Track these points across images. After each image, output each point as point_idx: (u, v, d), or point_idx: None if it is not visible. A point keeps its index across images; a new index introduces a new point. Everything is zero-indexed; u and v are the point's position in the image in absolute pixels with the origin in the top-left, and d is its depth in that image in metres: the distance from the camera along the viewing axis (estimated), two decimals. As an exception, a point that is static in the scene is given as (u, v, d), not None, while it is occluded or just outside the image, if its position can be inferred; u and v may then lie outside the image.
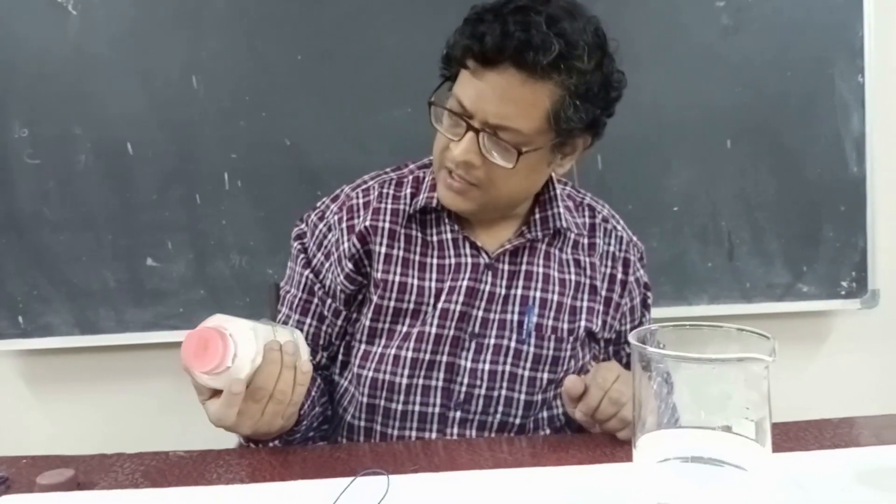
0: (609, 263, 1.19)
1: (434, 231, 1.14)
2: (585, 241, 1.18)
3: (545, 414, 1.14)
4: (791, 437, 0.95)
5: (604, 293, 1.17)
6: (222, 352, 0.86)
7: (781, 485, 0.77)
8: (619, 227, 1.23)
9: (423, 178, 1.16)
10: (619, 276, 1.19)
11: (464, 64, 0.99)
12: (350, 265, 1.11)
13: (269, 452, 0.98)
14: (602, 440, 0.98)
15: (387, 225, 1.12)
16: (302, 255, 1.16)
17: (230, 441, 1.18)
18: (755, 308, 1.92)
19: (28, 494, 0.84)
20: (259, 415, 0.91)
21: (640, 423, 0.69)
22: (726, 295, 1.92)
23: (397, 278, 1.10)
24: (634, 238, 1.25)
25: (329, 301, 1.14)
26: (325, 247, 1.14)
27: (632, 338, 0.69)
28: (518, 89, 0.96)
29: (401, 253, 1.11)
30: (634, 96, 1.81)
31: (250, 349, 0.89)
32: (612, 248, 1.20)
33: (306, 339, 1.10)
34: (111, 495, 0.85)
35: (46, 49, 1.72)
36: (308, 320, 1.15)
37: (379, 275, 1.10)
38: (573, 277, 1.15)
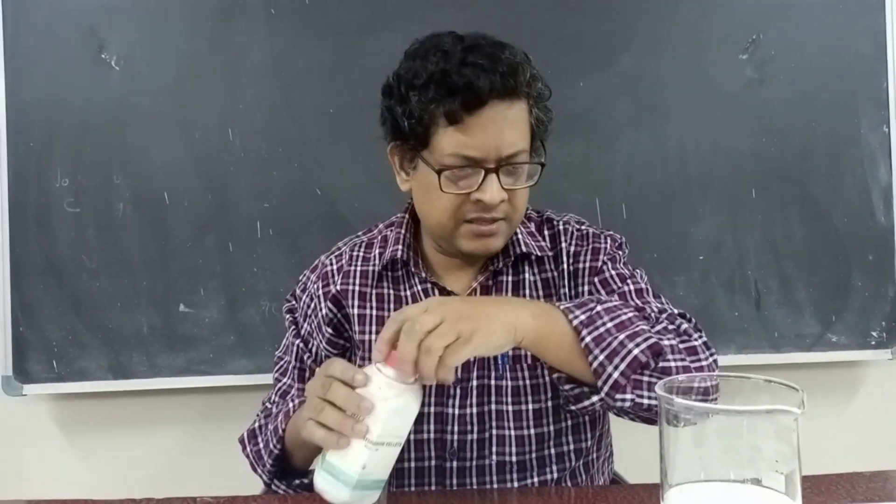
0: (581, 258, 1.16)
1: (405, 286, 1.15)
2: (550, 254, 1.16)
3: (552, 451, 1.11)
4: (822, 490, 0.94)
5: (579, 290, 1.15)
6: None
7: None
8: (582, 228, 1.19)
9: (389, 236, 1.18)
10: (589, 265, 1.15)
11: (451, 121, 1.00)
12: (330, 330, 1.15)
13: (294, 500, 0.99)
14: (629, 494, 0.97)
15: (357, 287, 1.15)
16: (293, 327, 1.22)
17: (257, 487, 1.19)
18: (784, 358, 1.89)
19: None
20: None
21: (669, 475, 0.70)
22: (754, 344, 1.91)
23: (375, 337, 1.08)
24: (608, 231, 1.20)
25: (317, 369, 1.15)
26: (309, 316, 1.19)
27: (659, 389, 0.70)
28: (509, 113, 1.02)
29: (374, 312, 1.14)
30: (661, 145, 1.88)
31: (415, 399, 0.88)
32: (573, 248, 1.16)
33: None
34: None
35: (89, 102, 1.79)
36: (304, 386, 1.16)
37: (356, 336, 1.14)
38: (542, 299, 1.14)
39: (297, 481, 1.11)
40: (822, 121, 1.90)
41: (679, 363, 0.94)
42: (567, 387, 0.97)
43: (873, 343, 1.93)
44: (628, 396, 0.92)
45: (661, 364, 0.93)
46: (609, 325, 0.92)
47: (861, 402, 2.05)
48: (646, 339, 0.92)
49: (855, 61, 1.90)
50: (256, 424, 1.17)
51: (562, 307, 0.95)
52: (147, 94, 1.80)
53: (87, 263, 1.80)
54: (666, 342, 0.95)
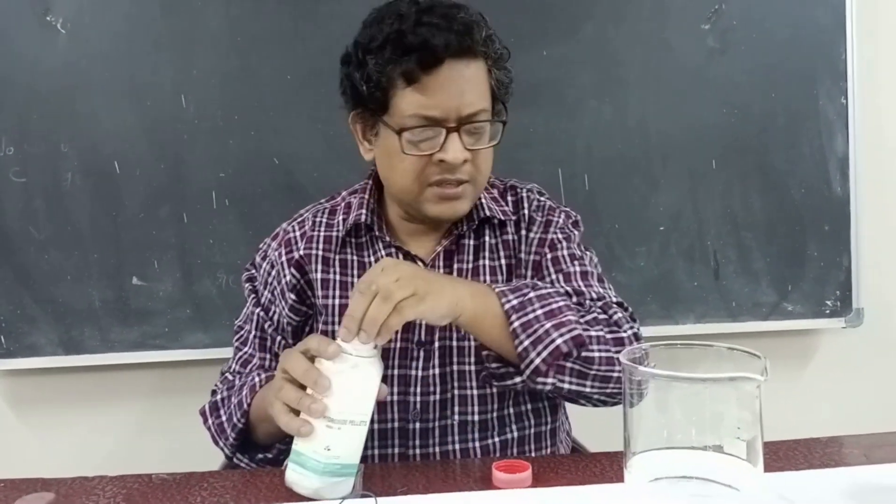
0: (534, 228, 1.17)
1: (369, 252, 1.16)
2: (513, 219, 1.18)
3: (511, 411, 1.13)
4: (780, 456, 0.96)
5: (531, 258, 1.16)
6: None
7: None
8: (542, 199, 1.21)
9: (353, 202, 1.17)
10: (539, 235, 1.17)
11: (409, 81, 1.01)
12: (293, 296, 1.14)
13: (253, 475, 0.97)
14: (593, 461, 0.97)
15: (320, 252, 1.15)
16: (252, 295, 1.21)
17: (214, 463, 1.17)
18: (742, 327, 1.93)
19: (9, 518, 0.83)
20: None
21: (632, 443, 0.69)
22: (713, 314, 1.93)
23: (337, 301, 1.12)
24: (565, 208, 1.22)
25: (279, 338, 1.16)
26: (270, 284, 1.18)
27: (623, 357, 0.69)
28: (467, 73, 1.02)
29: (338, 277, 1.14)
30: (622, 116, 1.88)
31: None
32: (530, 215, 1.18)
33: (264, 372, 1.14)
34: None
35: (34, 67, 1.72)
36: (267, 355, 1.17)
37: (319, 301, 1.13)
38: (503, 261, 1.16)
39: (259, 455, 1.10)
40: (781, 92, 1.91)
41: (603, 353, 0.98)
42: (494, 365, 1.01)
43: (828, 312, 1.97)
44: (549, 381, 0.97)
45: (584, 353, 0.97)
46: (539, 311, 0.97)
47: (816, 370, 2.10)
48: (570, 330, 0.96)
49: (814, 32, 1.91)
50: (219, 397, 1.15)
51: (497, 290, 0.99)
52: (96, 59, 1.73)
53: (36, 235, 1.74)
54: (593, 332, 0.99)
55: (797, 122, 1.92)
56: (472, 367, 1.10)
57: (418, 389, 1.10)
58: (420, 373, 1.10)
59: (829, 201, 1.94)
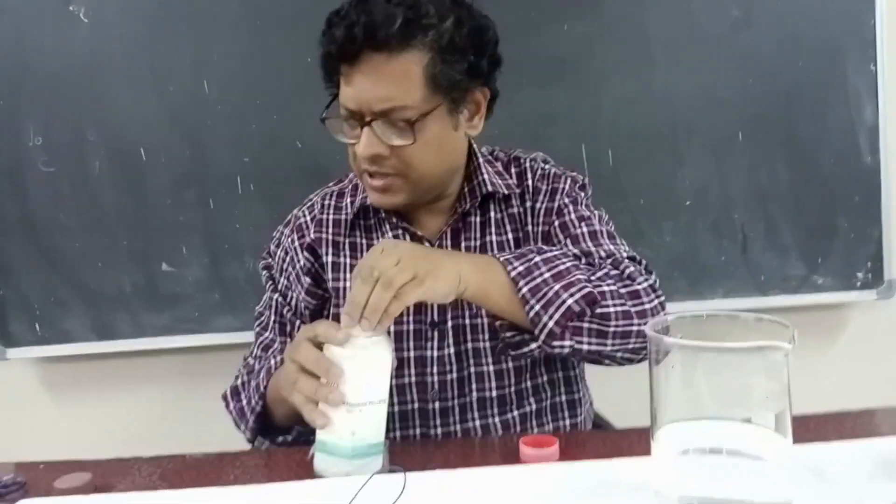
0: (539, 198, 1.17)
1: (378, 234, 1.16)
2: (517, 192, 1.17)
3: (528, 384, 1.13)
4: (811, 428, 0.94)
5: (539, 229, 1.16)
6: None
7: (802, 475, 0.76)
8: (546, 167, 1.20)
9: (360, 185, 1.17)
10: (546, 205, 1.16)
11: (336, 71, 1.03)
12: (308, 280, 1.15)
13: (284, 453, 0.99)
14: (622, 437, 0.97)
15: (330, 236, 1.16)
16: (270, 282, 1.22)
17: (244, 444, 1.18)
18: (771, 301, 1.90)
19: (46, 498, 0.85)
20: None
21: (659, 414, 0.69)
22: (741, 288, 1.91)
23: (349, 284, 1.12)
24: (571, 172, 1.21)
25: (298, 322, 1.17)
26: (285, 270, 1.19)
27: (648, 329, 0.69)
28: (385, 67, 0.98)
29: (348, 260, 1.14)
30: (647, 90, 1.85)
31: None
32: (535, 184, 1.17)
33: None
34: (129, 498, 0.85)
35: (58, 56, 1.74)
36: (287, 339, 1.18)
37: (331, 284, 1.14)
38: (510, 236, 1.16)
39: (280, 438, 1.10)
40: (808, 62, 1.87)
41: (619, 308, 0.97)
42: (508, 334, 1.01)
43: (858, 284, 1.94)
44: (567, 343, 0.96)
45: (598, 310, 0.96)
46: (546, 275, 0.96)
47: (847, 344, 2.07)
48: (581, 289, 0.95)
49: (840, 0, 1.86)
50: (239, 381, 1.16)
51: (501, 258, 0.98)
52: (119, 47, 1.75)
53: (66, 224, 1.78)
54: (606, 288, 0.98)
55: (825, 92, 1.88)
56: (487, 344, 1.11)
57: (435, 369, 1.11)
58: (436, 353, 1.11)
59: (859, 172, 1.90)
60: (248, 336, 1.72)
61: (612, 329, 0.97)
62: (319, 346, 0.87)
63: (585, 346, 0.97)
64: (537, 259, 0.98)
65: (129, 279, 1.79)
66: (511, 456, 0.91)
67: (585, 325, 0.96)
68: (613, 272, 1.02)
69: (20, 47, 1.73)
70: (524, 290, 0.95)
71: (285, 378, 0.91)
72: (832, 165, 1.90)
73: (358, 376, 0.84)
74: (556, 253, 1.00)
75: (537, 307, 0.95)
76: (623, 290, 0.99)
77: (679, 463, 0.68)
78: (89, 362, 1.87)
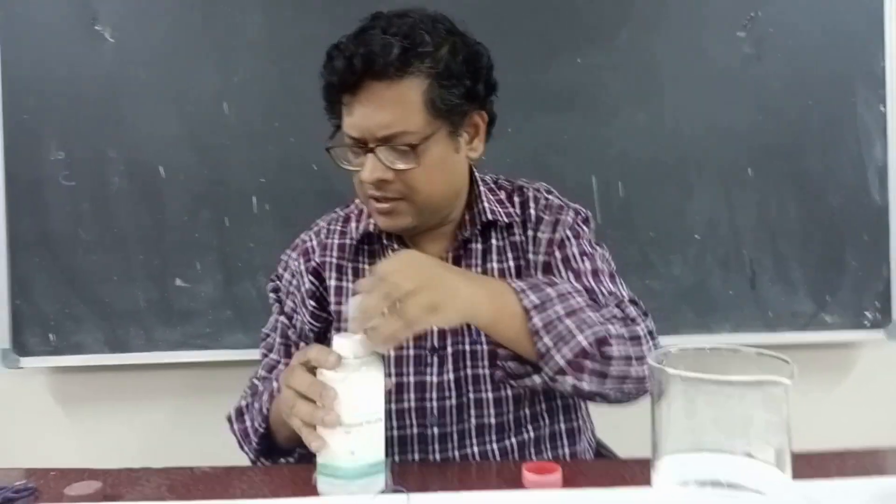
0: (542, 228, 1.17)
1: (380, 259, 1.16)
2: (518, 220, 1.18)
3: (527, 412, 1.14)
4: (813, 465, 0.94)
5: (541, 258, 1.16)
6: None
7: (801, 511, 0.76)
8: (549, 198, 1.21)
9: (364, 210, 1.19)
10: (548, 235, 1.17)
11: (339, 102, 1.06)
12: (312, 303, 1.17)
13: (290, 470, 1.00)
14: (621, 463, 0.98)
15: (334, 260, 1.18)
16: (276, 304, 1.24)
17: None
18: (778, 338, 1.90)
19: (57, 505, 0.86)
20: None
21: (661, 445, 0.70)
22: (749, 323, 1.92)
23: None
24: (574, 204, 1.22)
25: (302, 344, 1.18)
26: (292, 293, 1.21)
27: (651, 360, 0.70)
28: (385, 95, 1.01)
29: (350, 285, 1.16)
30: (657, 122, 1.87)
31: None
32: (544, 215, 1.18)
33: None
34: (139, 508, 0.86)
35: (83, 74, 1.78)
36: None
37: (333, 307, 1.16)
38: (511, 263, 1.16)
39: (282, 460, 1.12)
40: (818, 99, 1.89)
41: (622, 352, 0.97)
42: (511, 364, 0.99)
43: (867, 323, 1.94)
44: (569, 381, 0.95)
45: (603, 350, 0.95)
46: (560, 311, 0.95)
47: (854, 382, 2.06)
48: (593, 330, 0.95)
49: (851, 39, 1.89)
50: (243, 402, 1.18)
51: (516, 286, 0.97)
52: (141, 67, 1.79)
53: (84, 237, 1.80)
54: (613, 329, 0.97)
55: (834, 129, 1.90)
56: (486, 371, 1.11)
57: (434, 395, 1.12)
58: (435, 378, 1.12)
59: (868, 209, 1.91)
60: (257, 353, 1.75)
61: (612, 371, 0.96)
62: (314, 370, 0.88)
63: (585, 385, 0.95)
64: (551, 293, 0.97)
65: (143, 294, 1.82)
66: (514, 482, 0.92)
67: (589, 364, 0.95)
68: (618, 313, 1.03)
69: (46, 63, 1.77)
70: (538, 323, 0.94)
71: (283, 403, 0.92)
72: (841, 202, 1.91)
73: (352, 397, 0.85)
74: (569, 288, 1.00)
75: (548, 342, 0.93)
76: (627, 334, 0.99)
77: (679, 494, 0.69)
78: (101, 374, 1.89)
